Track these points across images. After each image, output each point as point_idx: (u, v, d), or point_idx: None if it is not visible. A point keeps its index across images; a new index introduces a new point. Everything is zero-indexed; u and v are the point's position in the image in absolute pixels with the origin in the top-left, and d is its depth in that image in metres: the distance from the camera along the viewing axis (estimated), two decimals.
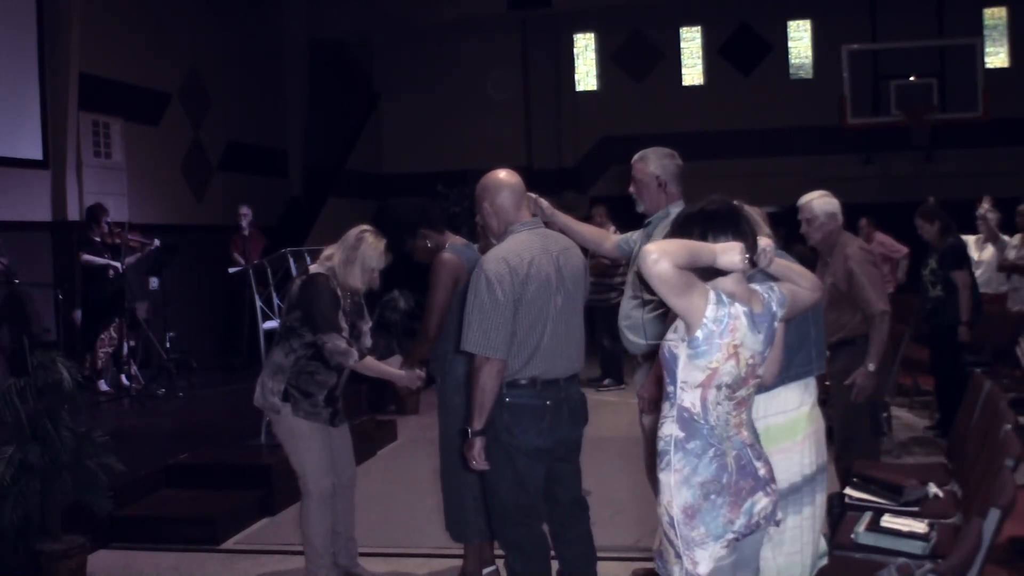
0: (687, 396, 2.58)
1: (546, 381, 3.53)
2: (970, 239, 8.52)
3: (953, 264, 6.78)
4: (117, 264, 8.53)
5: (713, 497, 2.58)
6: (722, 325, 2.51)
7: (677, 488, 2.59)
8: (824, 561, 3.43)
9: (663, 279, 2.39)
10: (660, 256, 2.37)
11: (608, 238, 4.47)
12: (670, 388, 2.62)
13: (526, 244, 3.55)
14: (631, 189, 4.16)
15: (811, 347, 3.47)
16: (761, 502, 2.65)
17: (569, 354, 3.62)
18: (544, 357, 3.51)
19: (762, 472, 2.68)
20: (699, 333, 2.51)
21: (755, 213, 3.41)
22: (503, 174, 3.71)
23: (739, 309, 2.56)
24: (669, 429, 2.63)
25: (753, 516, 2.63)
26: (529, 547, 3.63)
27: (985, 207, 8.45)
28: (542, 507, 3.67)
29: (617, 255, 4.42)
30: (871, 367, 4.86)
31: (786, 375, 3.30)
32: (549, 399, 3.53)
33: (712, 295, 2.51)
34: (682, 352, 2.56)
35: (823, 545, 3.47)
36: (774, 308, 2.69)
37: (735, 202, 2.79)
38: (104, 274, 8.55)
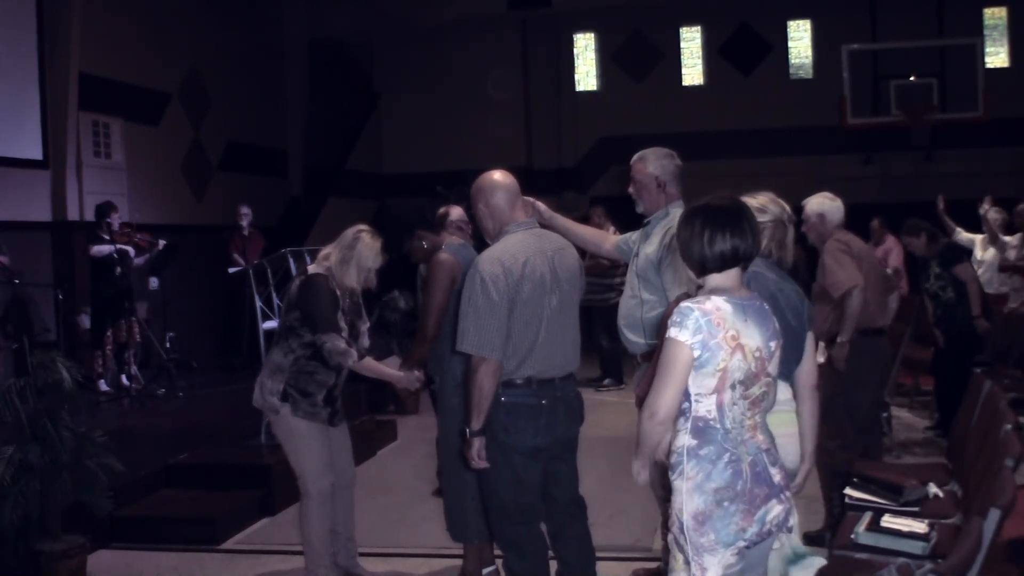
0: (702, 405, 2.60)
1: (542, 381, 3.53)
2: (976, 238, 8.52)
3: (954, 260, 6.79)
4: (128, 248, 8.54)
5: (726, 504, 2.57)
6: (703, 329, 2.54)
7: (689, 494, 2.59)
8: (816, 564, 3.40)
9: (672, 409, 2.59)
10: (652, 414, 2.60)
11: (608, 239, 4.47)
12: (684, 404, 2.63)
13: (521, 244, 3.55)
14: (630, 189, 4.17)
15: (799, 351, 3.48)
16: (774, 510, 2.64)
17: (564, 353, 3.62)
18: (539, 357, 3.51)
19: (777, 479, 2.67)
20: (696, 352, 2.55)
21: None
22: (497, 175, 3.72)
23: (717, 301, 2.59)
24: (681, 440, 2.64)
25: (766, 524, 2.62)
26: (527, 546, 3.63)
27: (986, 207, 8.46)
28: (540, 507, 3.67)
29: (617, 256, 4.42)
30: (841, 339, 5.01)
31: (785, 370, 3.31)
32: (545, 398, 3.54)
33: (672, 329, 2.56)
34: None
35: (796, 546, 3.40)
36: (767, 305, 2.73)
37: (768, 199, 3.02)
38: (111, 272, 8.55)
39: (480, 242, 4.73)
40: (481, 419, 3.46)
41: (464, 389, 3.80)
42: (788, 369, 3.39)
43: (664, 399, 2.57)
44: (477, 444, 3.48)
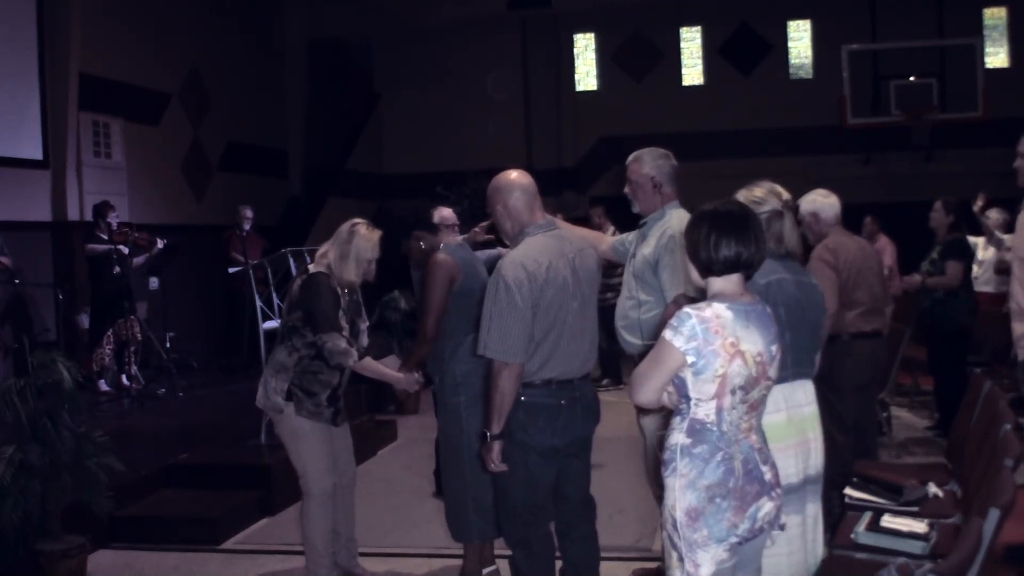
0: (701, 409, 2.62)
1: (561, 382, 3.54)
2: (979, 240, 8.54)
3: (952, 254, 6.80)
4: (123, 248, 8.53)
5: (718, 501, 2.59)
6: (698, 336, 2.56)
7: (682, 491, 2.61)
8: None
9: (651, 398, 2.68)
10: (638, 393, 2.70)
11: (604, 240, 4.47)
12: (683, 405, 2.65)
13: (543, 248, 3.53)
14: (626, 190, 4.17)
15: (820, 345, 3.48)
16: (766, 507, 2.66)
17: (583, 355, 3.62)
18: (560, 359, 3.51)
19: (768, 477, 2.69)
20: (689, 359, 2.58)
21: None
22: (515, 175, 3.68)
23: (718, 308, 2.61)
24: (676, 439, 2.66)
25: (757, 521, 2.64)
26: (535, 545, 3.64)
27: (980, 203, 8.46)
28: (550, 507, 3.69)
29: (614, 257, 4.40)
30: None
31: (807, 370, 3.31)
32: (564, 399, 3.54)
33: (668, 332, 2.60)
34: (687, 374, 2.61)
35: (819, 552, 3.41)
36: (768, 310, 2.74)
37: (765, 191, 3.14)
38: (109, 272, 8.54)
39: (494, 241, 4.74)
40: (502, 423, 3.45)
41: (483, 392, 3.80)
42: (810, 358, 3.37)
43: (644, 392, 2.67)
44: (496, 448, 3.47)
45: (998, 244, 8.31)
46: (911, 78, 13.32)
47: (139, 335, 8.75)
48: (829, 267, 5.03)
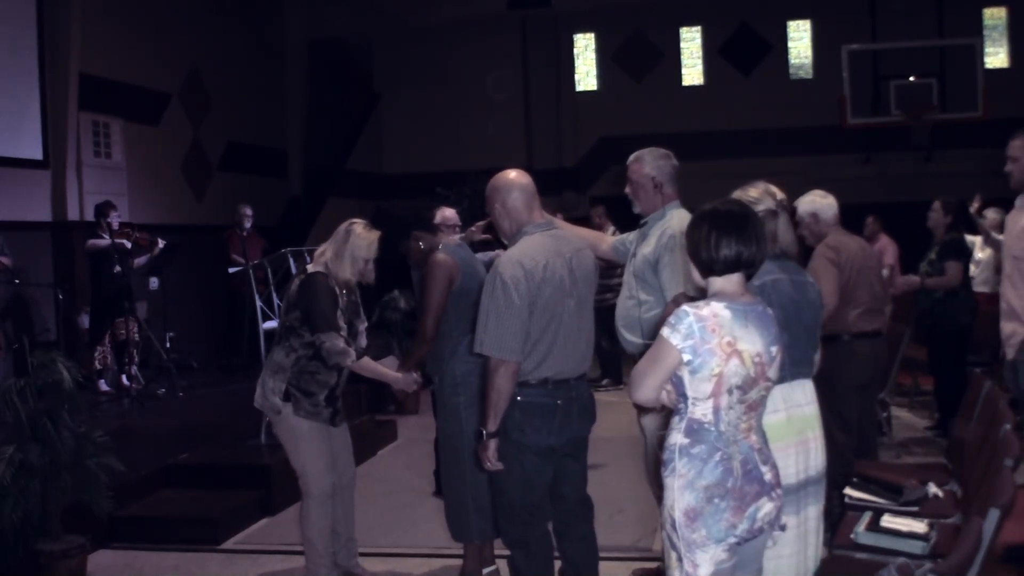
0: (699, 408, 2.62)
1: (557, 381, 3.54)
2: (976, 240, 8.54)
3: (950, 254, 6.82)
4: (124, 242, 8.52)
5: (716, 501, 2.59)
6: (695, 335, 2.56)
7: (680, 492, 2.62)
8: None
9: (649, 396, 2.68)
10: (636, 391, 2.70)
11: (604, 240, 4.47)
12: (681, 405, 2.66)
13: (540, 247, 3.54)
14: (627, 190, 4.17)
15: (818, 343, 3.48)
16: (765, 507, 2.66)
17: (579, 354, 3.62)
18: (556, 358, 3.51)
19: (768, 477, 2.69)
20: (685, 357, 2.58)
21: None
22: (513, 174, 3.69)
23: (716, 307, 2.61)
24: (675, 439, 2.67)
25: (756, 521, 2.64)
26: (534, 545, 3.64)
27: (976, 204, 8.47)
28: (548, 506, 3.69)
29: (614, 257, 4.41)
30: None
31: (805, 370, 3.31)
32: (560, 398, 3.54)
33: (665, 330, 2.60)
34: (684, 372, 2.61)
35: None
36: (769, 310, 2.73)
37: (761, 191, 3.13)
38: (109, 271, 8.53)
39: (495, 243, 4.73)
40: (497, 421, 3.45)
41: (481, 391, 3.80)
42: (808, 358, 3.37)
43: (643, 390, 2.68)
44: (492, 446, 3.48)
45: (996, 245, 8.30)
46: (911, 78, 13.32)
47: (137, 335, 8.75)
48: (832, 264, 5.05)
